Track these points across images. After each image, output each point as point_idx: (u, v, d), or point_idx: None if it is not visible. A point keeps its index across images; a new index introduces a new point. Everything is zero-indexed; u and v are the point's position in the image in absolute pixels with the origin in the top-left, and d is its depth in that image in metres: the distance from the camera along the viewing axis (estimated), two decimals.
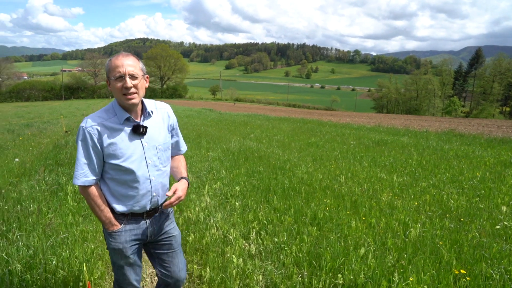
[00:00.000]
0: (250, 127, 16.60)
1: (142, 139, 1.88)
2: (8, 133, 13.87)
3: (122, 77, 1.77)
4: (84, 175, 1.83)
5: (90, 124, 1.80)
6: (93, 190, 1.87)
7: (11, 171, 6.67)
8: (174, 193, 1.92)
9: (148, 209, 1.97)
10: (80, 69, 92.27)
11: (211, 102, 73.14)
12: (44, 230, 3.59)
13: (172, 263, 2.16)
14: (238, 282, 2.88)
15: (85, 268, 2.82)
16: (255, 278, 2.91)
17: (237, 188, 5.45)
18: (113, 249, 1.97)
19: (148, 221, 2.01)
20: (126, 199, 1.90)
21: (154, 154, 1.92)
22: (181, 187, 1.97)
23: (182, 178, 2.08)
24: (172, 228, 2.16)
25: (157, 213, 2.06)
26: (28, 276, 2.75)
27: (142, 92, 1.84)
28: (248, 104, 75.57)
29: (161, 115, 2.00)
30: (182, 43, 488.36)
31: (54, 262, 2.93)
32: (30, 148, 9.69)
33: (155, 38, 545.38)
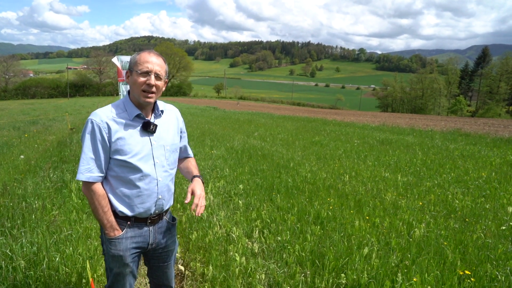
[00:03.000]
0: (254, 125, 16.59)
1: (151, 137, 1.84)
2: (14, 130, 13.97)
3: (148, 73, 1.75)
4: (89, 170, 1.74)
5: (99, 118, 1.74)
6: (98, 189, 1.78)
7: (17, 168, 6.72)
8: (193, 195, 1.88)
9: (152, 213, 1.89)
10: (85, 66, 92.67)
11: (216, 100, 73.23)
12: (48, 227, 3.60)
13: (163, 276, 2.15)
14: (241, 281, 2.87)
15: (88, 265, 2.83)
16: (258, 277, 2.91)
17: (241, 186, 5.44)
18: (112, 256, 1.87)
19: (151, 228, 1.93)
20: (131, 199, 1.82)
21: (161, 154, 1.88)
22: (197, 187, 1.93)
23: (194, 176, 2.02)
24: (172, 241, 2.09)
25: (161, 219, 1.99)
26: (32, 272, 2.76)
27: (159, 94, 1.83)
28: (252, 102, 75.55)
29: (169, 117, 1.98)
30: (186, 41, 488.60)
31: (57, 259, 2.95)
32: (35, 145, 9.76)
33: (160, 36, 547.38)
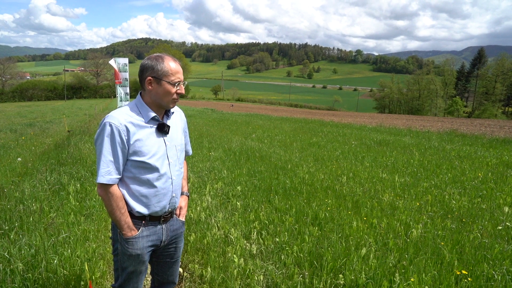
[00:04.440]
0: (251, 127, 16.60)
1: (165, 138, 1.92)
2: (11, 133, 13.93)
3: (179, 83, 1.86)
4: (109, 173, 1.77)
5: (118, 121, 1.77)
6: (116, 190, 1.81)
7: (14, 171, 6.70)
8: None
9: (166, 211, 1.97)
10: (82, 69, 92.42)
11: (213, 102, 73.23)
12: (46, 229, 3.59)
13: (169, 271, 2.19)
14: (239, 282, 2.88)
15: (86, 268, 2.82)
16: (256, 278, 2.91)
17: (239, 188, 5.45)
18: (128, 255, 1.91)
19: (164, 226, 2.00)
20: (148, 199, 1.87)
21: (174, 154, 1.97)
22: (183, 204, 2.17)
23: (182, 194, 2.18)
24: (180, 239, 2.17)
25: (172, 217, 2.07)
26: (30, 275, 2.76)
27: None
28: (250, 104, 75.59)
29: (176, 118, 2.06)
30: (184, 43, 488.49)
31: (55, 261, 2.94)
32: (33, 148, 9.73)
33: (157, 38, 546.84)
